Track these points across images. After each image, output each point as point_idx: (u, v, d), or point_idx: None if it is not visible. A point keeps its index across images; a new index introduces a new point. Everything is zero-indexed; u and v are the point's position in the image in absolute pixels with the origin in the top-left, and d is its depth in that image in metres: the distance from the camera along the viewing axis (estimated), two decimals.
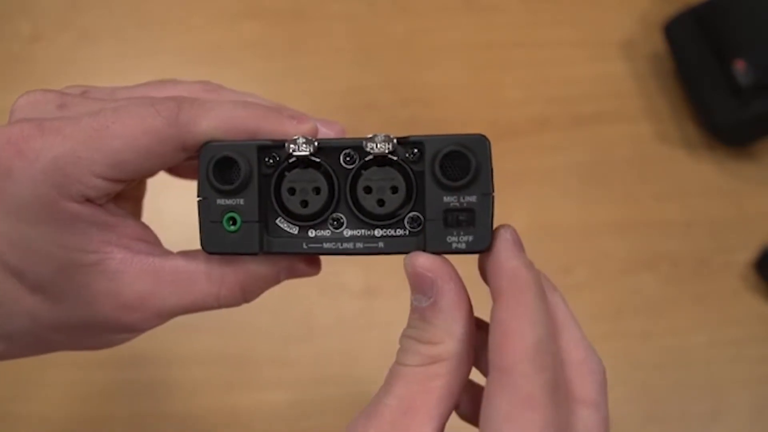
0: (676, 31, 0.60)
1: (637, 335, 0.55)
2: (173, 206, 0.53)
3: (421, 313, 0.25)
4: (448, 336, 0.24)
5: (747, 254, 0.57)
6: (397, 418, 0.23)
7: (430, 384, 0.24)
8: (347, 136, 0.29)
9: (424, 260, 0.24)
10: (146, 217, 0.29)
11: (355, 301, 0.55)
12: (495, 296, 0.24)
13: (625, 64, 0.63)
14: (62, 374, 0.52)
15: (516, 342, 0.22)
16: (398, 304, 0.54)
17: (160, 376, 0.52)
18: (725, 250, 0.58)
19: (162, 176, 0.29)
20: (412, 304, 0.25)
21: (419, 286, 0.25)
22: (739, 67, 0.56)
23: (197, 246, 0.28)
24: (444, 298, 0.24)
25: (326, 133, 0.28)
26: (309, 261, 0.29)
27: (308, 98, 0.60)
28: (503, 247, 0.24)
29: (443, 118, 0.61)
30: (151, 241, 0.28)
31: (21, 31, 0.61)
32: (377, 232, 0.26)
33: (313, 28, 0.63)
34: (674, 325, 0.56)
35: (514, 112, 0.61)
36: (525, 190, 0.58)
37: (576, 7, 0.65)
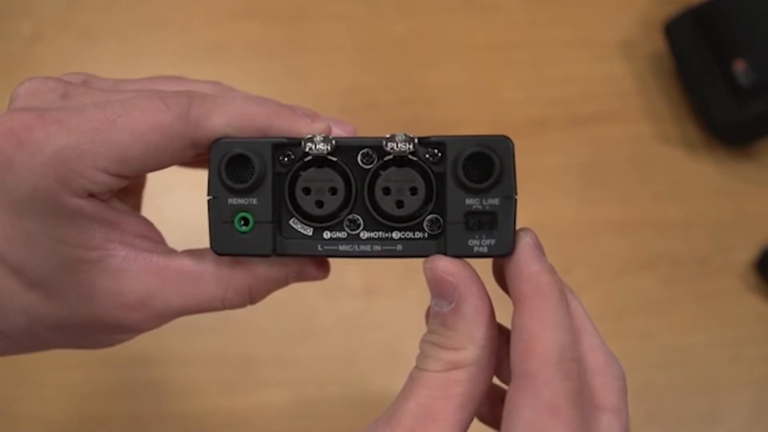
0: (676, 31, 0.60)
1: (637, 335, 0.55)
2: (175, 205, 0.53)
3: (442, 318, 0.24)
4: (470, 342, 0.24)
5: (747, 254, 0.57)
6: (417, 424, 0.23)
7: (451, 390, 0.23)
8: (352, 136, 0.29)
9: (445, 264, 0.24)
10: (148, 216, 0.29)
11: (355, 302, 0.55)
12: (517, 302, 0.23)
13: (625, 64, 0.63)
14: (63, 374, 0.51)
15: (539, 348, 0.22)
16: (398, 304, 0.55)
17: (160, 376, 0.52)
18: (725, 250, 0.58)
19: (163, 173, 0.28)
20: (431, 309, 0.24)
21: (440, 290, 0.24)
22: (739, 67, 0.56)
23: (196, 246, 0.27)
24: (466, 303, 0.24)
25: (337, 132, 0.28)
26: (318, 264, 0.29)
27: (308, 98, 0.60)
28: (525, 251, 0.24)
29: (443, 118, 0.61)
30: (155, 239, 0.27)
31: (21, 31, 0.61)
32: (395, 235, 0.25)
33: (313, 28, 0.63)
34: (674, 325, 0.56)
35: (514, 112, 0.61)
36: (525, 190, 0.57)
37: (576, 7, 0.65)
